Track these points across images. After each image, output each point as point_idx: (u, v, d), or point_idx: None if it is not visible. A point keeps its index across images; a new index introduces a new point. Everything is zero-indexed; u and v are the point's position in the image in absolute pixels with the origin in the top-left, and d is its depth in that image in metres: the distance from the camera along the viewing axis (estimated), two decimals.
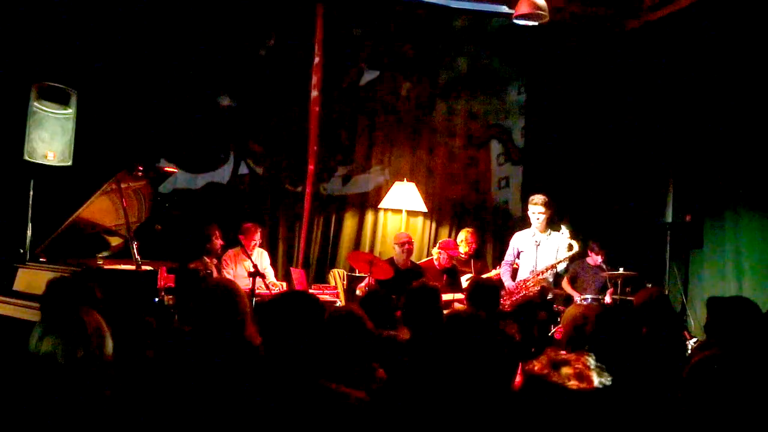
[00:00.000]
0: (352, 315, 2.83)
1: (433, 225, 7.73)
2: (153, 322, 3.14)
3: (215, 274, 5.84)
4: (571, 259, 6.23)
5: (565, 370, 2.01)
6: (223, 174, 6.92)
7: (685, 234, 7.01)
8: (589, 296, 6.53)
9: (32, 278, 4.27)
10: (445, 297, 5.65)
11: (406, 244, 6.36)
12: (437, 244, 6.67)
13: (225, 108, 6.82)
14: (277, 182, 7.18)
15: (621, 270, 6.55)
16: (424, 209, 7.36)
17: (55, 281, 3.00)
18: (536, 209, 5.99)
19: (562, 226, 6.00)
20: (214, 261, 6.05)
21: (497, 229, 7.83)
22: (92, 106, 5.77)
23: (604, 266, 6.79)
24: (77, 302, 2.70)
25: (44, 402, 1.93)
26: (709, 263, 6.96)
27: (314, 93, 7.01)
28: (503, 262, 6.36)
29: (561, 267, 6.13)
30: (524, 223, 6.48)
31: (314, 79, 7.01)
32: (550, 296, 5.92)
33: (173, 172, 5.54)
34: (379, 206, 7.42)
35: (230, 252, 6.24)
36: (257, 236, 6.26)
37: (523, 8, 5.69)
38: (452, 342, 2.41)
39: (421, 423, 2.24)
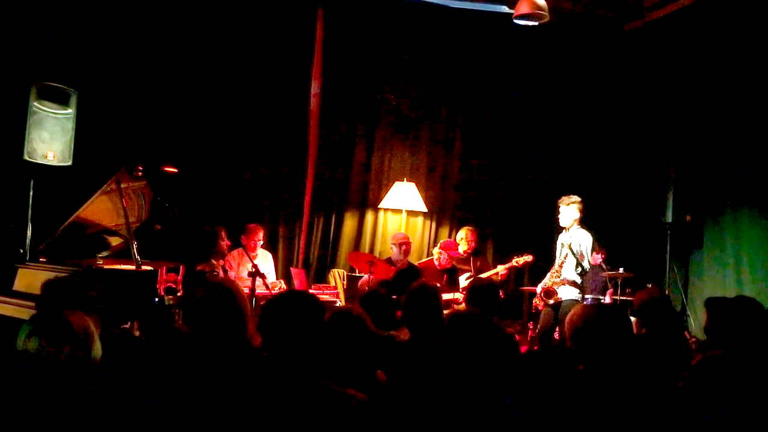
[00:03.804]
0: (354, 316, 2.83)
1: (433, 225, 7.72)
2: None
3: (222, 275, 5.82)
4: None
5: None
6: (223, 174, 6.90)
7: (685, 234, 7.01)
8: (589, 296, 6.51)
9: (32, 278, 4.26)
10: (445, 297, 5.65)
11: (404, 245, 6.36)
12: (438, 244, 6.67)
13: (225, 108, 6.81)
14: (278, 182, 7.17)
15: (621, 270, 6.54)
16: (424, 209, 7.35)
17: (50, 282, 2.99)
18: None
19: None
20: (221, 262, 6.04)
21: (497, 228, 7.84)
22: (92, 106, 5.77)
23: (604, 266, 6.78)
24: (71, 303, 2.69)
25: (29, 400, 1.92)
26: (709, 263, 6.96)
27: (314, 93, 7.00)
28: None
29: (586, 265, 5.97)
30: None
31: (314, 80, 7.00)
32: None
33: (173, 172, 5.53)
34: (379, 206, 7.42)
35: (233, 253, 6.22)
36: (260, 236, 6.25)
37: (523, 8, 5.69)
38: (452, 342, 2.41)
39: (422, 424, 2.24)
